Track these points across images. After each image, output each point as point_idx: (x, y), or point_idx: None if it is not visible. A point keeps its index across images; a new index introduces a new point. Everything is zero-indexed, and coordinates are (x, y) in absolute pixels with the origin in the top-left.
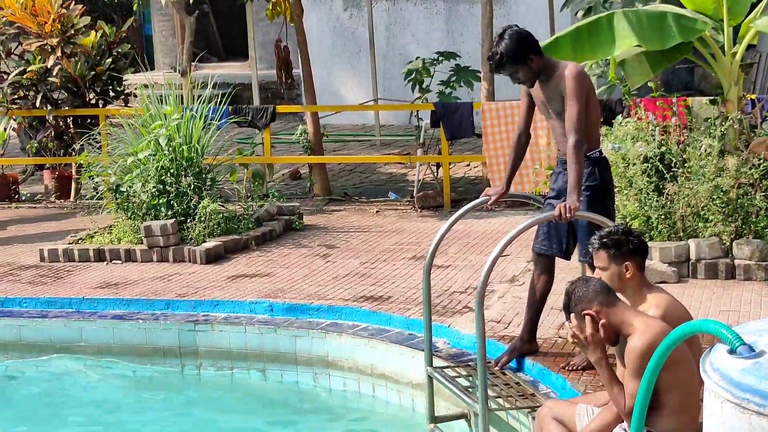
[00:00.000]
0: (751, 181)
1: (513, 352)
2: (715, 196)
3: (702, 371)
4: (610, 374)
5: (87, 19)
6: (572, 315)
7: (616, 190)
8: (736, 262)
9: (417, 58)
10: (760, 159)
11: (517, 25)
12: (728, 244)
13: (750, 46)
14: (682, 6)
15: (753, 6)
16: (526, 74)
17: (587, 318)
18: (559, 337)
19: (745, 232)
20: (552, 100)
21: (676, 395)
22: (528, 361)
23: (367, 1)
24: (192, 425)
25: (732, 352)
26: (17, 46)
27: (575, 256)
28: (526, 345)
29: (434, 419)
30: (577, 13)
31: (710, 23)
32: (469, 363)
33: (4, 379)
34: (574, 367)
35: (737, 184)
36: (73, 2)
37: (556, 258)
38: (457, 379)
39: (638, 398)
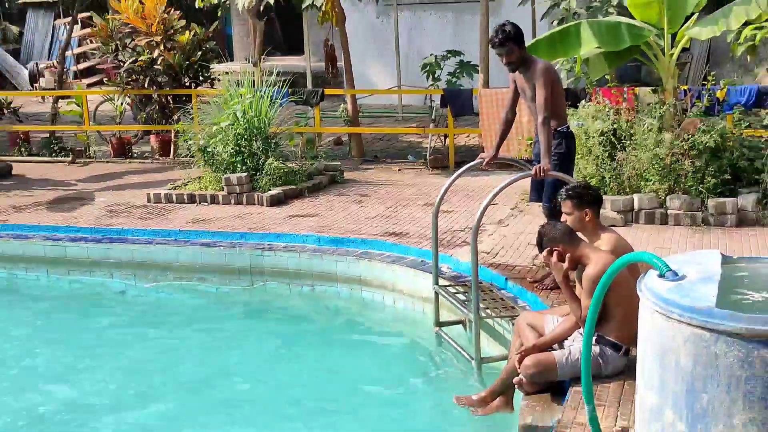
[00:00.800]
0: (681, 151)
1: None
2: (653, 162)
3: (639, 290)
4: (571, 293)
5: (182, 22)
6: (544, 250)
7: (578, 156)
8: (669, 211)
9: (431, 55)
10: (688, 135)
11: None
12: (663, 198)
13: (684, 49)
14: (632, 17)
15: (687, 18)
16: (516, 57)
17: (555, 252)
18: (534, 265)
19: (676, 189)
20: (528, 88)
21: (619, 309)
22: (510, 283)
23: (393, 11)
24: (259, 326)
25: (661, 276)
26: (131, 41)
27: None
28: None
29: (439, 324)
30: (552, 22)
31: (654, 31)
32: (466, 283)
33: (121, 294)
34: (544, 287)
35: (671, 154)
36: (173, 9)
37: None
38: (456, 295)
39: (590, 311)
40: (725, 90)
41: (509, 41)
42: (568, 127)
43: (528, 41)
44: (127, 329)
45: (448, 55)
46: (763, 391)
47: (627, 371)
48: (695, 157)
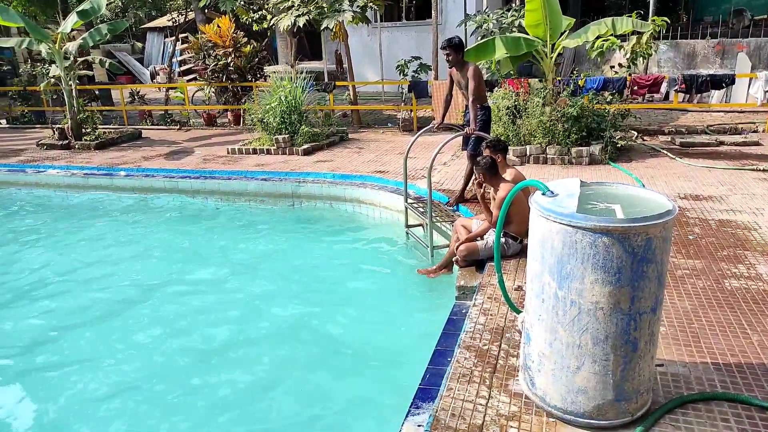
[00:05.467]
0: (556, 118)
1: (456, 199)
2: (539, 126)
3: (530, 203)
4: (486, 205)
5: (245, 39)
6: (478, 174)
7: (494, 122)
8: (548, 156)
9: (402, 60)
10: (561, 108)
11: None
12: (544, 148)
13: (559, 54)
14: (527, 34)
15: (561, 34)
16: (455, 58)
17: (481, 177)
18: (468, 190)
19: (552, 142)
20: (462, 80)
21: (517, 215)
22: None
23: (378, 32)
24: (298, 228)
25: (543, 194)
26: (213, 52)
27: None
28: (461, 198)
29: (408, 226)
30: (478, 37)
31: (541, 42)
32: (424, 200)
33: (214, 209)
34: (463, 201)
35: (550, 120)
36: (239, 30)
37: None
38: (418, 208)
39: (499, 217)
40: (584, 80)
41: (452, 47)
42: (488, 105)
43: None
44: (219, 229)
45: (413, 59)
46: (603, 262)
47: (521, 253)
48: (565, 122)
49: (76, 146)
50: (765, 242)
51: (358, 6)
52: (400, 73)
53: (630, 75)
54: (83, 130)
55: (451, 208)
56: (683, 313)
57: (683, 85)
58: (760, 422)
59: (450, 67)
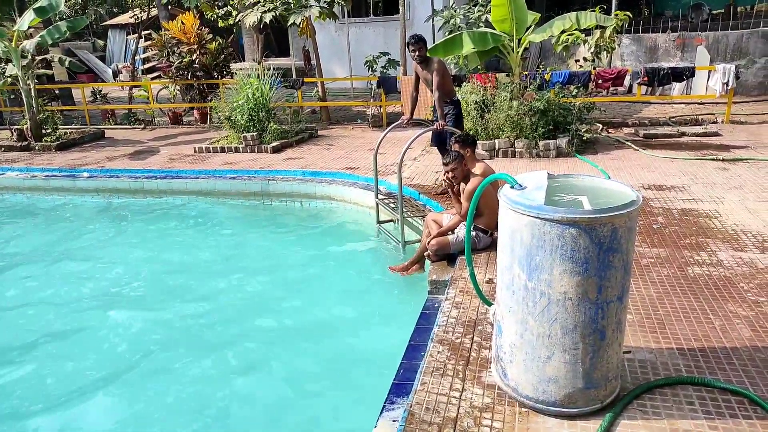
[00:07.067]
0: (523, 112)
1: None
2: (507, 119)
3: (499, 197)
4: (457, 199)
5: (210, 35)
6: (447, 169)
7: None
8: (516, 149)
9: (370, 55)
10: (528, 102)
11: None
12: (512, 141)
13: (525, 49)
14: (494, 29)
15: (527, 29)
16: (421, 54)
17: (451, 172)
18: (435, 184)
19: (520, 135)
20: (428, 76)
21: (487, 209)
22: (421, 195)
23: (345, 27)
24: (268, 226)
25: (512, 187)
26: (177, 49)
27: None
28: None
29: (379, 222)
30: (446, 33)
31: (507, 37)
32: (395, 196)
33: (179, 206)
34: (438, 192)
35: (517, 114)
36: (203, 27)
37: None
38: (388, 204)
39: (469, 210)
40: (550, 74)
41: (418, 43)
42: (457, 99)
43: (430, 45)
44: (186, 229)
45: (381, 55)
46: (570, 253)
47: (491, 246)
48: (532, 116)
49: (36, 147)
50: (725, 230)
51: (325, 2)
52: (368, 69)
53: (594, 69)
54: (43, 130)
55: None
56: (649, 301)
57: (646, 78)
58: (723, 404)
59: (419, 63)
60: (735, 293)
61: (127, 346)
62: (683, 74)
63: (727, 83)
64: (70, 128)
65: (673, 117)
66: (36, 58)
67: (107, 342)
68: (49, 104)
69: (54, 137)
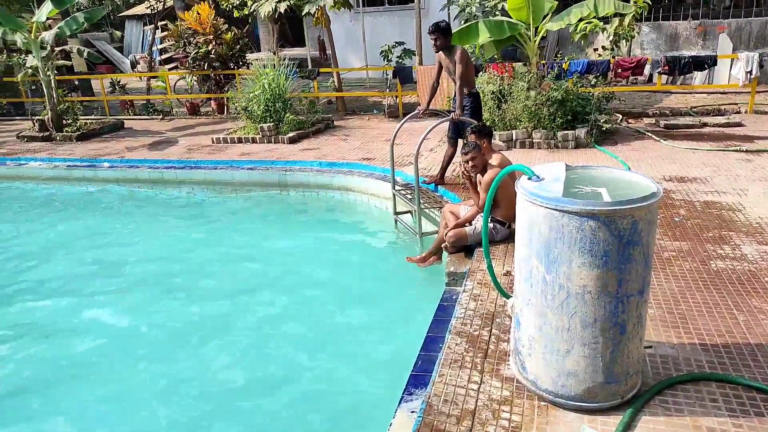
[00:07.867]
0: (541, 102)
1: (435, 183)
2: (524, 110)
3: (516, 188)
4: (475, 190)
5: (226, 26)
6: (465, 158)
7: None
8: (534, 140)
9: (386, 45)
10: (545, 92)
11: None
12: (530, 132)
13: (543, 37)
14: (510, 17)
15: (544, 17)
16: (442, 42)
17: (470, 162)
18: (453, 175)
19: (538, 126)
20: (450, 65)
21: (504, 200)
22: (440, 188)
23: (361, 17)
24: (285, 216)
25: (529, 179)
26: (193, 40)
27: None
28: (440, 180)
29: (396, 213)
30: (461, 21)
31: (524, 25)
32: (412, 187)
33: (199, 200)
34: (443, 183)
35: (535, 104)
36: (219, 17)
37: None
38: (405, 195)
39: (486, 202)
40: (568, 63)
41: (438, 31)
42: (476, 90)
43: None
44: (206, 220)
45: (396, 45)
46: (589, 245)
47: (509, 238)
48: (550, 106)
49: (58, 138)
50: (749, 223)
51: None
52: (384, 59)
53: (613, 58)
54: (64, 121)
55: (429, 185)
56: (670, 295)
57: (666, 67)
58: (747, 401)
59: (437, 52)
60: (760, 288)
61: (149, 333)
62: (705, 63)
63: (750, 72)
64: (90, 119)
65: (694, 107)
66: (55, 49)
67: (132, 329)
68: (69, 95)
69: (74, 128)
